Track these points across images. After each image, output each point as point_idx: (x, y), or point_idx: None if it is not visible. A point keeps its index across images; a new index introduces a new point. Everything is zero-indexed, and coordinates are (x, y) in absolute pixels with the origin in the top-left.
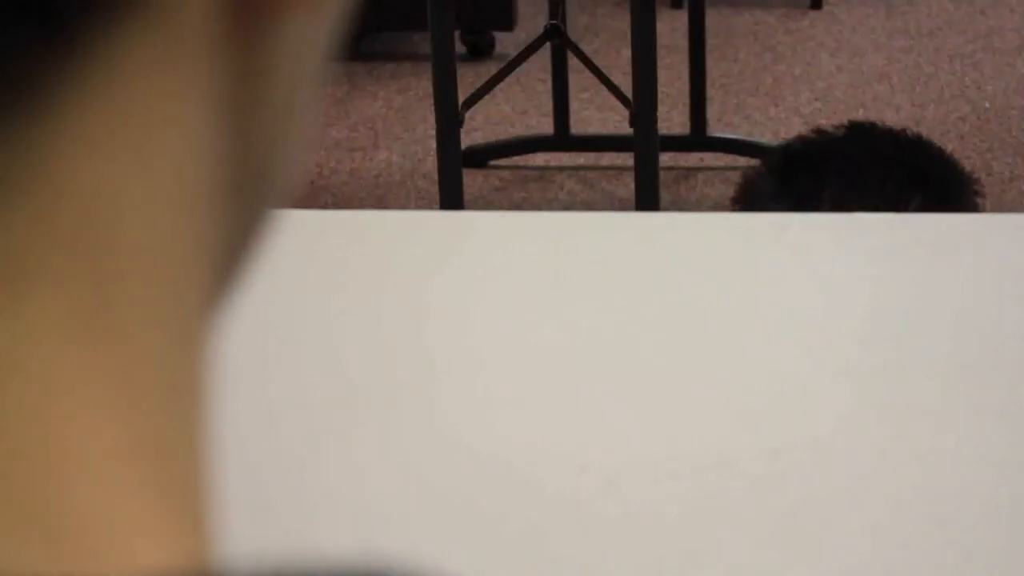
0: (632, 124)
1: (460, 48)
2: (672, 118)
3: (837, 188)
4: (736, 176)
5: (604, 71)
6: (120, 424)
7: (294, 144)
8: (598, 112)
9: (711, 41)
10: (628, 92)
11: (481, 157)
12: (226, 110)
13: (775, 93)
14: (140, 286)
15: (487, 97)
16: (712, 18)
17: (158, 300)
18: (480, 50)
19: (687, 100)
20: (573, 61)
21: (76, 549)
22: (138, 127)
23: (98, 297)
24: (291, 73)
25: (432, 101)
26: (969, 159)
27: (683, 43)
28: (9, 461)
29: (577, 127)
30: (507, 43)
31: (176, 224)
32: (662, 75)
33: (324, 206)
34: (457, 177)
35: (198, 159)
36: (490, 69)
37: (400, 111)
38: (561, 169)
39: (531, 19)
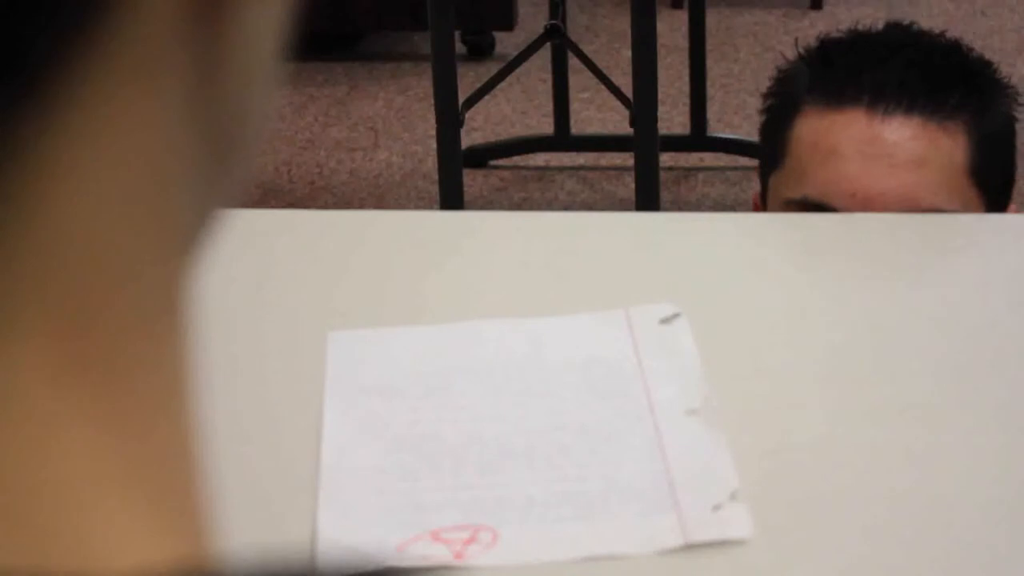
0: (632, 124)
1: (460, 48)
2: (672, 118)
3: (877, 77)
4: (736, 176)
5: (604, 71)
6: (108, 446)
7: (259, 118)
8: (598, 112)
9: (711, 41)
10: (628, 92)
11: (481, 157)
12: (192, 95)
13: None
14: (121, 308)
15: (487, 97)
16: (712, 18)
17: (138, 316)
18: (480, 50)
19: (687, 100)
20: (573, 61)
21: (72, 553)
22: (112, 142)
23: (81, 327)
24: (252, 51)
25: (432, 101)
26: None
27: (683, 43)
28: (5, 485)
29: (577, 127)
30: (507, 43)
31: (152, 232)
32: (662, 75)
33: (324, 206)
34: (457, 177)
35: (170, 156)
36: (490, 69)
37: (400, 111)
38: (561, 169)
39: (531, 19)
